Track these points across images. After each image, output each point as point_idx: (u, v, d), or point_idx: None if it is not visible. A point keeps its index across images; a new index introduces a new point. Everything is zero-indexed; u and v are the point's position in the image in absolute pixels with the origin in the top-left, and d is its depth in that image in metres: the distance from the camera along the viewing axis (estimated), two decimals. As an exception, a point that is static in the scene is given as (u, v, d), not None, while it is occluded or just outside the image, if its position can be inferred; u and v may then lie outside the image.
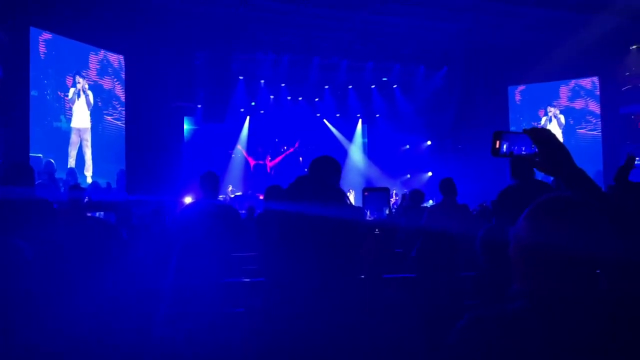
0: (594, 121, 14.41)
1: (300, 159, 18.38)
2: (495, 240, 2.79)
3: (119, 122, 11.63)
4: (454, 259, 2.89)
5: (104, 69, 11.21)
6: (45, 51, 9.80)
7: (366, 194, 1.71)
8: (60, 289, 1.41)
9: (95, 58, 10.97)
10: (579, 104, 14.61)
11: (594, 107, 14.40)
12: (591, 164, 12.97)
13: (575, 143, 14.16)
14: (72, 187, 5.89)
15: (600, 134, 14.28)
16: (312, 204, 1.31)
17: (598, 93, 14.37)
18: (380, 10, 12.26)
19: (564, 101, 14.87)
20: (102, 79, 11.13)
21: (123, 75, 11.72)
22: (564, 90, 14.82)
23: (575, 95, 14.67)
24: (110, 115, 11.40)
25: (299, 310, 1.24)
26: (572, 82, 14.61)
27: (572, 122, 14.70)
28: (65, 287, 1.41)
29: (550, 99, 15.04)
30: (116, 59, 11.50)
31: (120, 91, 11.66)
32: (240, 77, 16.09)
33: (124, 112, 11.72)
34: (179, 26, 11.84)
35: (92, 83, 10.87)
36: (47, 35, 9.83)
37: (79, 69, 10.61)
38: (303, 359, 1.18)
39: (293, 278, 1.28)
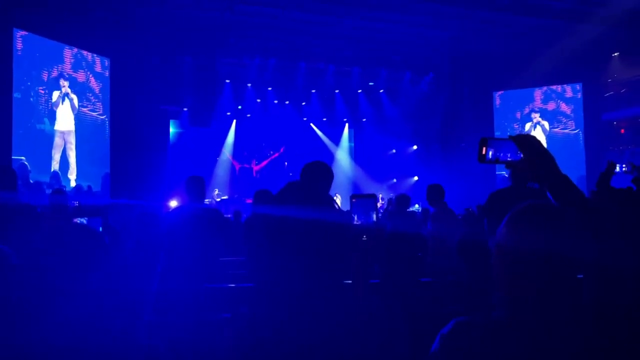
0: (565, 120, 15.23)
1: (285, 163, 18.32)
2: (473, 243, 2.80)
3: (94, 114, 11.52)
4: (422, 263, 2.91)
5: (78, 63, 11.09)
6: (22, 47, 9.66)
7: (354, 200, 1.73)
8: (43, 296, 1.39)
9: (69, 52, 10.86)
10: (551, 106, 15.44)
11: (565, 107, 15.26)
12: (567, 160, 13.49)
13: (550, 142, 14.67)
14: (55, 191, 5.81)
15: (571, 132, 15.07)
16: (301, 209, 1.31)
17: (567, 95, 15.21)
18: (367, 16, 12.32)
19: (537, 103, 15.56)
20: (75, 72, 11.02)
21: (97, 69, 11.59)
22: (538, 94, 15.54)
23: (547, 97, 15.47)
24: (85, 107, 11.29)
25: (287, 315, 1.24)
26: (545, 87, 15.33)
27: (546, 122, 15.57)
28: (48, 295, 1.39)
29: (526, 102, 15.66)
30: (88, 53, 11.39)
31: (94, 84, 11.53)
32: (227, 81, 16.04)
33: (98, 104, 11.59)
34: (165, 30, 11.79)
35: (66, 76, 10.76)
36: (22, 32, 9.70)
37: (54, 64, 10.50)
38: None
39: (281, 283, 1.28)
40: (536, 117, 15.38)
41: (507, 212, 1.34)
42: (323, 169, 2.63)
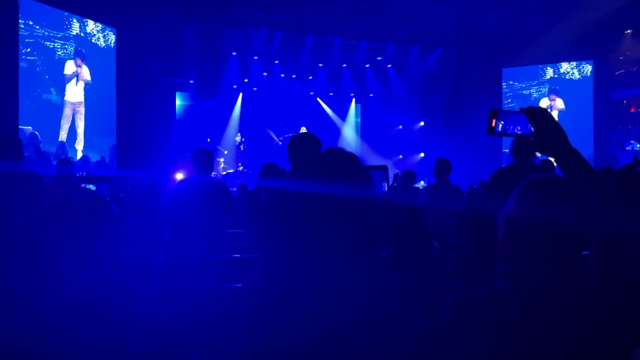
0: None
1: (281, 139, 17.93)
2: (474, 218, 2.80)
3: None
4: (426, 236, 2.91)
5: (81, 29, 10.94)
6: (28, 15, 9.49)
7: None
8: (50, 261, 1.40)
9: (76, 22, 10.70)
10: (560, 83, 15.48)
11: (571, 84, 15.38)
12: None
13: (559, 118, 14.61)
14: (61, 161, 5.84)
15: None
16: (342, 182, 1.28)
17: (575, 72, 15.23)
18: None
19: (548, 81, 15.51)
20: (81, 39, 10.88)
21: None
22: (549, 71, 15.55)
23: (558, 75, 15.52)
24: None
25: (309, 286, 1.21)
26: (555, 64, 15.29)
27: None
28: (55, 260, 1.40)
29: (536, 79, 15.62)
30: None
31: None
32: (233, 53, 15.90)
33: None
34: (170, 1, 11.64)
35: (82, 51, 10.66)
36: (29, 1, 9.55)
37: (61, 33, 10.38)
38: (298, 334, 1.18)
39: (310, 256, 1.24)
40: (551, 95, 15.19)
41: (512, 187, 1.34)
42: (317, 140, 2.66)
